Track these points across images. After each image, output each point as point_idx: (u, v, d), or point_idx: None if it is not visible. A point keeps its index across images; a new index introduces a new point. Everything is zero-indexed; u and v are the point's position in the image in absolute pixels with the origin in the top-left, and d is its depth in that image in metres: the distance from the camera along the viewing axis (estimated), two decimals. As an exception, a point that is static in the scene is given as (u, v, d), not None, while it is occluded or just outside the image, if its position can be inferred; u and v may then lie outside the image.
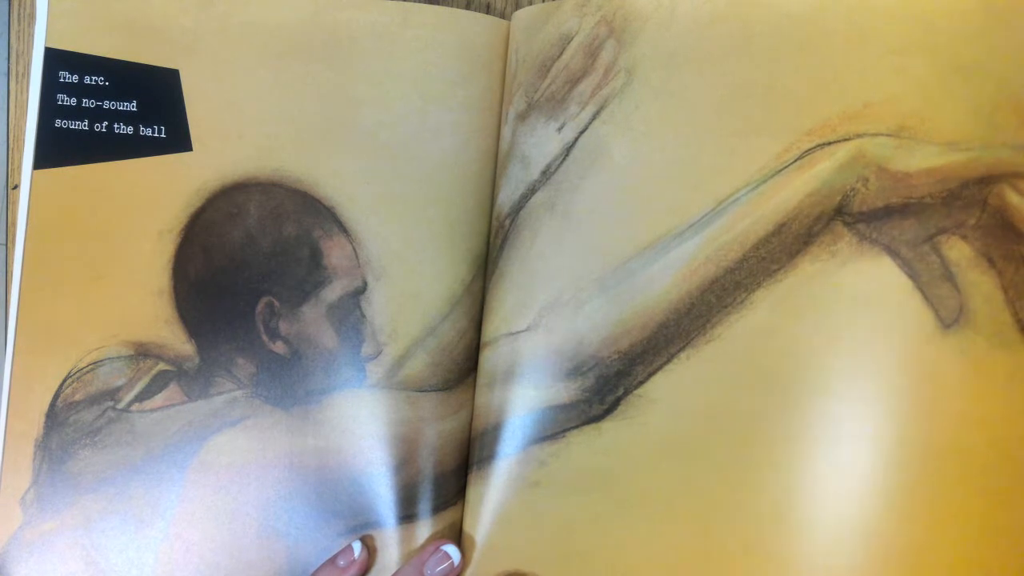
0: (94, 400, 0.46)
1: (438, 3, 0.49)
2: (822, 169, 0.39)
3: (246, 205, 0.47)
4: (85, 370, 0.46)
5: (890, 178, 0.39)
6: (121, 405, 0.46)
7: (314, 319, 0.46)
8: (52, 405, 0.46)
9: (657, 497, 0.41)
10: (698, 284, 0.41)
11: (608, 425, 0.43)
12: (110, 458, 0.46)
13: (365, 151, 0.47)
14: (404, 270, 0.46)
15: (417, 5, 0.47)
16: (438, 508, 0.45)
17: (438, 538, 0.45)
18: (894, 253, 0.38)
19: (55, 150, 0.47)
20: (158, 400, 0.46)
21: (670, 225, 0.42)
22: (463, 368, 0.47)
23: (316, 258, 0.47)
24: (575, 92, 0.45)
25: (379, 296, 0.46)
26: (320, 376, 0.46)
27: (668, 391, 0.42)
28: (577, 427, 0.43)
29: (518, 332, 0.45)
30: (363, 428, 0.46)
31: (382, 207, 0.47)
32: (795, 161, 0.40)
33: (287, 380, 0.46)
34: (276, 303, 0.46)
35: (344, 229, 0.47)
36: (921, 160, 0.38)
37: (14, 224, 0.47)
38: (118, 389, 0.46)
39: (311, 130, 0.47)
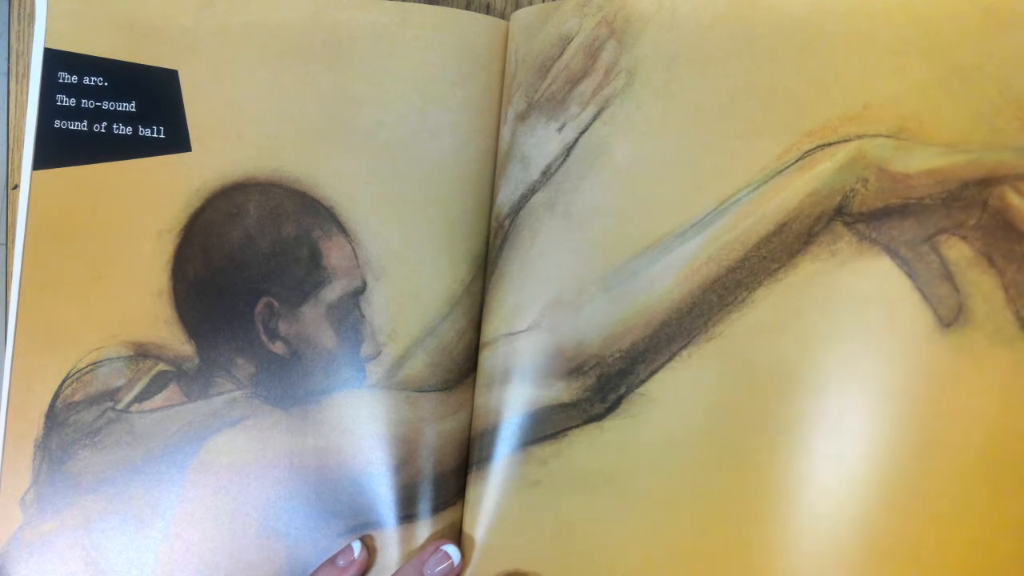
0: (94, 400, 0.46)
1: (438, 3, 0.49)
2: (822, 170, 0.40)
3: (245, 205, 0.47)
4: (85, 370, 0.46)
5: (889, 179, 0.39)
6: (121, 405, 0.46)
7: (313, 319, 0.46)
8: (52, 405, 0.46)
9: (658, 495, 0.42)
10: (700, 283, 0.42)
11: (610, 424, 0.43)
12: (110, 458, 0.46)
13: (364, 151, 0.47)
14: (403, 270, 0.46)
15: (417, 5, 0.47)
16: (438, 508, 0.45)
17: (438, 538, 0.45)
18: (893, 253, 0.38)
19: (54, 151, 0.47)
20: (158, 400, 0.46)
21: (672, 225, 0.42)
22: (463, 368, 0.47)
23: (315, 258, 0.47)
24: (576, 92, 0.45)
25: (378, 296, 0.46)
26: (320, 376, 0.46)
27: (670, 389, 0.42)
28: (578, 426, 0.43)
29: (518, 332, 0.45)
30: (363, 428, 0.46)
31: (381, 207, 0.47)
32: (796, 162, 0.40)
33: (287, 380, 0.46)
34: (275, 303, 0.46)
35: (343, 229, 0.47)
36: (920, 161, 0.38)
37: (14, 224, 0.47)
38: (118, 389, 0.46)
39: (310, 130, 0.47)
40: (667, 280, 0.42)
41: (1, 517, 0.46)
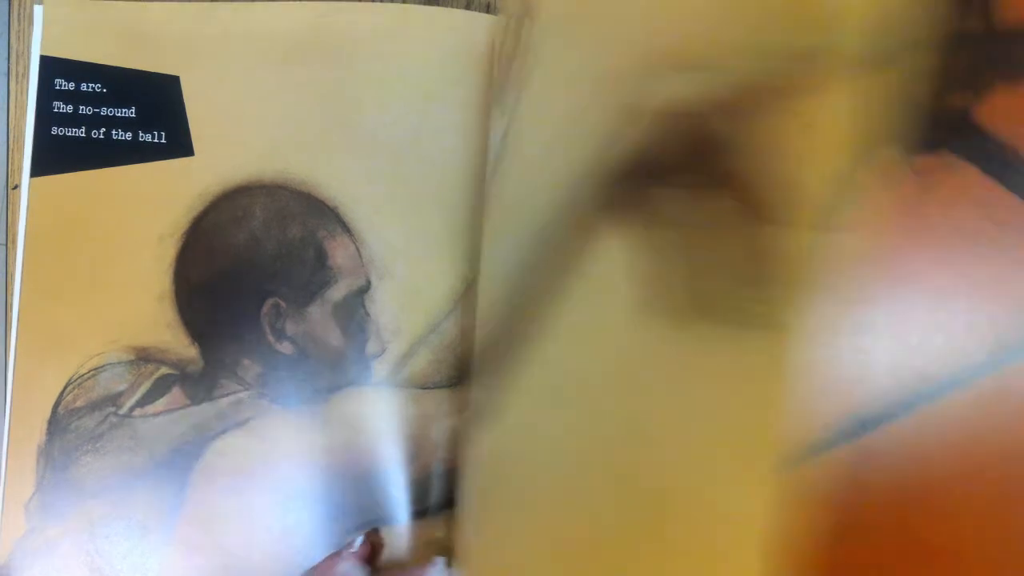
0: (96, 406, 0.46)
1: (438, 3, 0.49)
2: None
3: (251, 207, 0.47)
4: (86, 376, 0.46)
5: None
6: (123, 410, 0.46)
7: (320, 319, 0.46)
8: (54, 411, 0.45)
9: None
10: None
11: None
12: (113, 463, 0.45)
13: (367, 152, 0.47)
14: (407, 268, 0.47)
15: (417, 6, 0.48)
16: (447, 504, 0.46)
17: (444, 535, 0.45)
18: None
19: (52, 158, 0.47)
20: (160, 405, 0.46)
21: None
22: (467, 365, 0.47)
23: (321, 258, 0.47)
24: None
25: (382, 294, 0.46)
26: (326, 375, 0.46)
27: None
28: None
29: (522, 326, 0.45)
30: (369, 426, 0.46)
31: (384, 206, 0.47)
32: None
33: (293, 380, 0.46)
34: (282, 304, 0.47)
35: (347, 229, 0.47)
36: None
37: (15, 224, 0.47)
38: (119, 394, 0.46)
39: (314, 132, 0.47)
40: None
41: (6, 524, 0.45)
